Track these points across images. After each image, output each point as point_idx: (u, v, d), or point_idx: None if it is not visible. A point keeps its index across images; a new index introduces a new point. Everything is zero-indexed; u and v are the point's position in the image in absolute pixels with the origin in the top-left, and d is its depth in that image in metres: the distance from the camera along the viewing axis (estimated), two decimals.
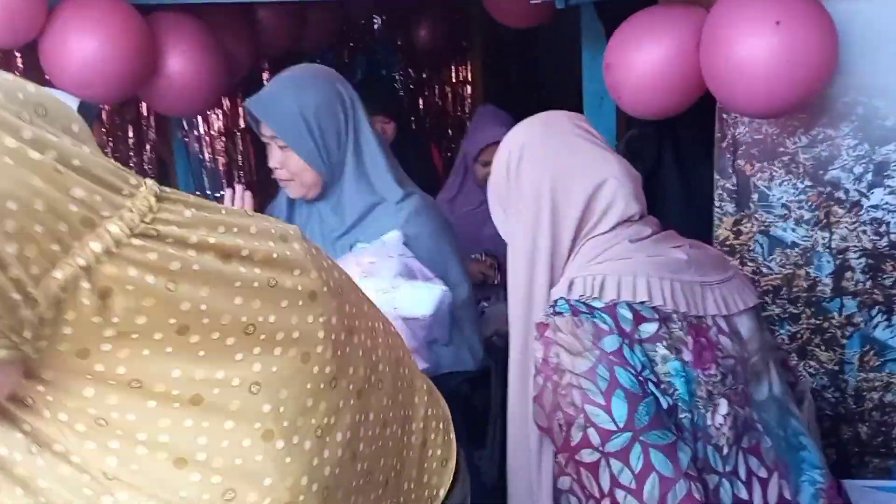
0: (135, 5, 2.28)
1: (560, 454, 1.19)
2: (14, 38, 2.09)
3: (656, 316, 1.20)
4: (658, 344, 1.18)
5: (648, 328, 1.18)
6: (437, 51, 4.98)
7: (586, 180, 1.30)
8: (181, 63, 2.41)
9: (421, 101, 5.11)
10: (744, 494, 1.20)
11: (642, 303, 1.20)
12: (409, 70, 4.87)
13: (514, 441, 1.34)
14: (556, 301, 1.24)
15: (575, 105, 2.56)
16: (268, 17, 3.03)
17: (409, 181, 1.83)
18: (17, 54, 2.41)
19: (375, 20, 4.35)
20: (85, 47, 2.14)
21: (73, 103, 1.75)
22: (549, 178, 1.31)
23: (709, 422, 1.18)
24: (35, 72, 2.40)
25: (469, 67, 5.67)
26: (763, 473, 1.23)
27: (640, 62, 1.85)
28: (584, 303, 1.20)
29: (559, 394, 1.17)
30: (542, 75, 7.14)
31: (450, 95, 5.52)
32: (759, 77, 1.67)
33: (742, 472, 1.21)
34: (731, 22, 1.71)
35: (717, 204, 2.08)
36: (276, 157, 1.74)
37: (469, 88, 5.72)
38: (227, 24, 2.74)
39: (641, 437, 1.11)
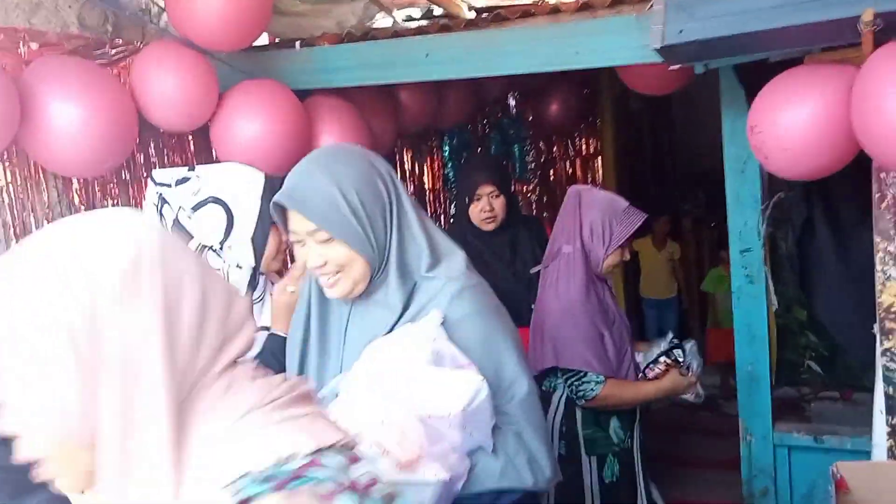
0: (293, 90, 2.51)
1: None
2: (190, 123, 2.35)
3: None
4: None
5: None
6: (567, 124, 5.06)
7: None
8: (334, 141, 2.59)
9: (552, 174, 5.17)
10: None
11: None
12: (541, 144, 4.96)
13: None
14: None
15: (716, 169, 2.52)
16: (408, 97, 3.22)
17: (457, 257, 1.51)
18: (190, 136, 2.68)
19: (508, 97, 4.49)
20: (249, 129, 2.37)
21: (259, 177, 1.89)
22: None
23: None
24: (204, 152, 2.67)
25: (600, 140, 5.71)
26: None
27: (788, 123, 1.80)
28: None
29: None
30: (676, 144, 7.06)
31: (580, 168, 5.56)
32: None
33: None
34: (885, 77, 1.65)
35: (878, 268, 1.96)
36: (316, 255, 1.43)
37: (600, 160, 5.74)
38: (372, 105, 2.94)
39: None
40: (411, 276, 1.46)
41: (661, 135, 6.90)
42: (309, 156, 1.50)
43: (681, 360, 2.26)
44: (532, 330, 2.41)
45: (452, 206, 4.03)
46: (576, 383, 2.31)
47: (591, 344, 2.28)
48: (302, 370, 1.55)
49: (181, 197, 1.82)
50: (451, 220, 3.68)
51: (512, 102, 4.57)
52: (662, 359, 2.29)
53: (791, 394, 2.86)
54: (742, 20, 1.76)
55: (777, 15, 1.75)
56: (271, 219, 1.69)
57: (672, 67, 1.92)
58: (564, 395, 2.35)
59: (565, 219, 2.41)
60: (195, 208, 1.79)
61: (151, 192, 1.89)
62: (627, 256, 2.42)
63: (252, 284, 1.80)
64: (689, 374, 2.29)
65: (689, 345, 2.39)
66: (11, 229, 2.17)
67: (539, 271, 2.48)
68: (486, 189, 2.69)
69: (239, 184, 1.80)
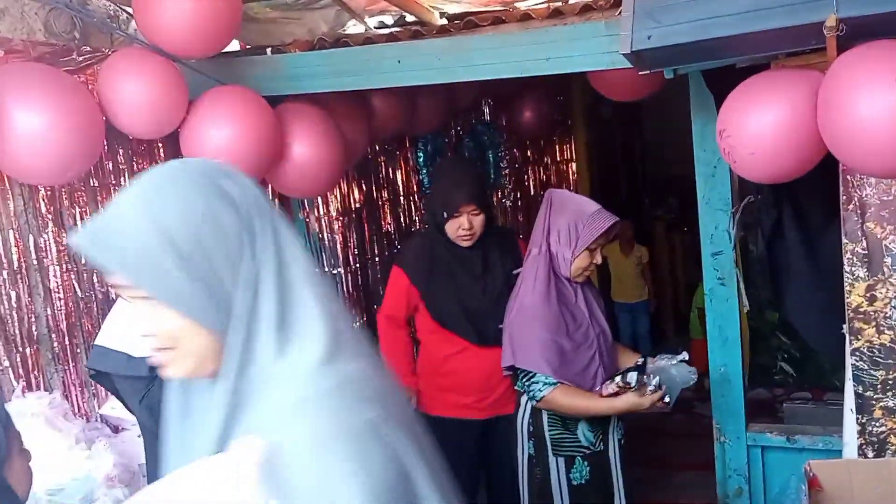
0: (264, 97, 2.49)
1: None
2: (158, 130, 2.32)
3: None
4: None
5: None
6: (540, 130, 5.09)
7: None
8: (305, 148, 2.57)
9: (526, 180, 5.19)
10: None
11: None
12: (515, 150, 4.98)
13: None
14: None
15: (688, 174, 2.54)
16: (381, 103, 3.21)
17: (314, 340, 0.98)
18: (160, 143, 2.65)
19: (482, 103, 4.51)
20: (220, 136, 2.34)
21: None
22: None
23: None
24: (174, 159, 2.63)
25: (573, 146, 5.75)
26: None
27: (755, 127, 1.82)
28: None
29: None
30: (647, 149, 7.14)
31: (554, 174, 5.59)
32: (884, 135, 1.62)
33: None
34: (850, 81, 1.67)
35: (846, 269, 1.99)
36: (144, 321, 1.00)
37: (574, 166, 5.78)
38: (345, 111, 2.92)
39: None
40: (254, 363, 0.97)
41: (632, 141, 6.98)
42: (133, 182, 1.02)
43: (632, 383, 2.18)
44: (504, 328, 2.43)
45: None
46: (526, 383, 2.33)
47: (543, 347, 2.28)
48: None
49: None
50: (420, 228, 3.63)
51: (486, 108, 4.58)
52: (617, 380, 2.25)
53: (764, 395, 2.90)
54: (708, 26, 1.78)
55: (743, 21, 1.77)
56: None
57: (641, 73, 1.93)
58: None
59: (537, 221, 2.43)
60: None
61: None
62: (599, 260, 2.40)
63: None
64: (650, 392, 2.19)
65: (680, 357, 2.30)
66: None
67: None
68: (467, 208, 2.61)
69: None
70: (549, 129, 5.28)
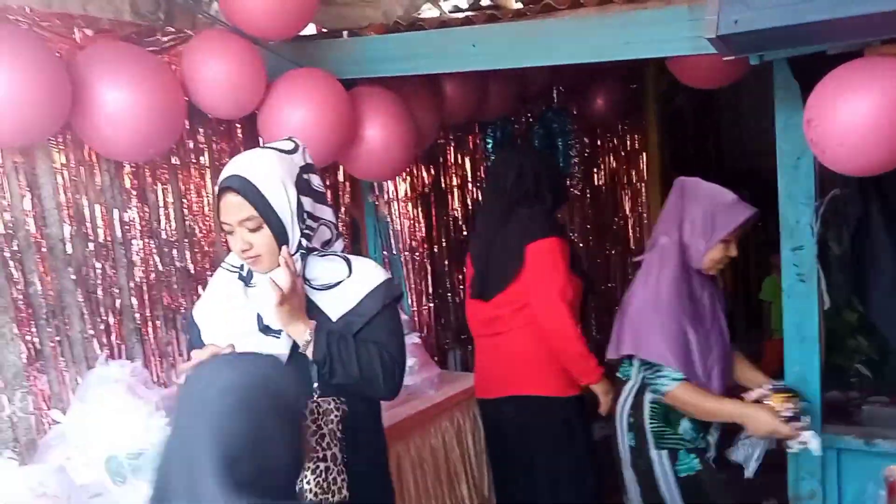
0: (339, 80, 2.52)
1: None
2: (238, 110, 2.37)
3: None
4: None
5: None
6: (611, 119, 5.00)
7: None
8: (378, 132, 2.60)
9: (596, 169, 5.11)
10: None
11: None
12: (585, 139, 4.90)
13: None
14: None
15: (762, 167, 2.46)
16: (452, 88, 3.21)
17: None
18: (238, 124, 2.71)
19: (553, 91, 4.45)
20: (296, 118, 2.39)
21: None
22: None
23: None
24: (251, 140, 2.70)
25: (645, 135, 5.62)
26: None
27: (847, 117, 1.75)
28: None
29: None
30: (721, 140, 6.93)
31: (624, 163, 5.48)
32: None
33: None
34: None
35: None
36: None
37: (644, 156, 5.65)
38: (416, 96, 2.94)
39: None
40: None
41: (705, 131, 6.78)
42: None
43: (796, 410, 2.08)
44: (618, 315, 2.37)
45: None
46: (650, 376, 2.25)
47: (671, 339, 2.19)
48: None
49: None
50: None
51: (556, 95, 4.52)
52: (765, 387, 2.16)
53: (838, 398, 2.78)
54: (800, 10, 1.71)
55: (837, 5, 1.69)
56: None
57: (726, 59, 1.87)
58: (636, 386, 2.31)
59: (667, 210, 2.34)
60: None
61: None
62: (734, 252, 2.29)
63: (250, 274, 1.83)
64: (796, 425, 2.11)
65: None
66: (65, 210, 2.23)
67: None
68: None
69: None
70: (621, 118, 5.18)
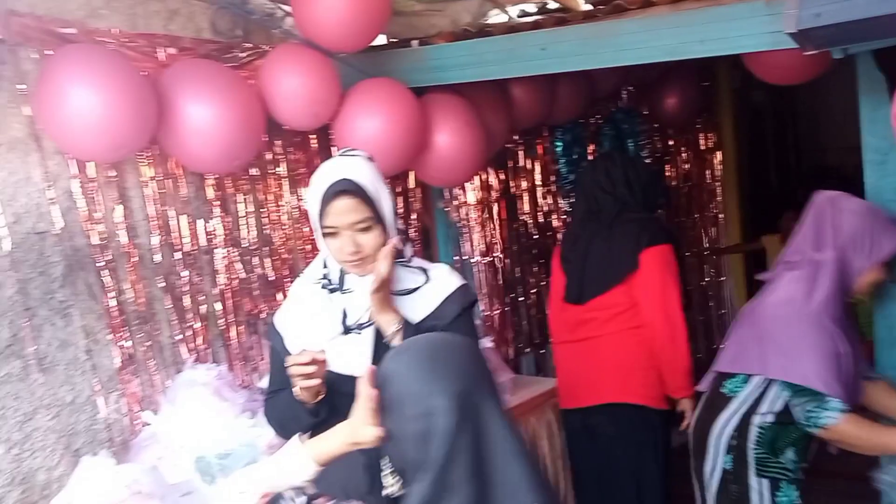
0: (410, 88, 2.56)
1: None
2: (315, 121, 2.44)
3: None
4: None
5: None
6: (684, 118, 4.89)
7: None
8: (449, 138, 2.63)
9: (668, 169, 5.01)
10: None
11: None
12: (655, 139, 4.82)
13: None
14: None
15: (843, 164, 2.36)
16: (521, 92, 3.21)
17: None
18: (312, 135, 2.79)
19: (623, 91, 4.39)
20: (370, 127, 2.44)
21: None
22: None
23: None
24: (325, 150, 2.77)
25: (718, 134, 5.48)
26: None
27: None
28: None
29: None
30: (800, 137, 6.70)
31: (697, 163, 5.36)
32: None
33: None
34: None
35: None
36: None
37: (719, 155, 5.51)
38: (486, 101, 2.95)
39: None
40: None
41: (784, 128, 6.57)
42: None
43: None
44: (739, 328, 2.23)
45: (563, 202, 4.00)
46: (810, 406, 2.01)
47: (831, 366, 1.98)
48: None
49: None
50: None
51: (625, 96, 4.46)
52: None
53: None
54: (886, 1, 1.65)
55: None
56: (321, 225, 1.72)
57: (808, 53, 1.82)
58: (745, 407, 2.14)
59: (814, 224, 2.15)
60: None
61: None
62: (884, 275, 2.11)
63: (341, 280, 1.81)
64: None
65: None
66: (155, 221, 2.34)
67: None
68: None
69: (315, 183, 1.78)
70: (693, 117, 5.06)
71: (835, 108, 5.93)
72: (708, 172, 5.39)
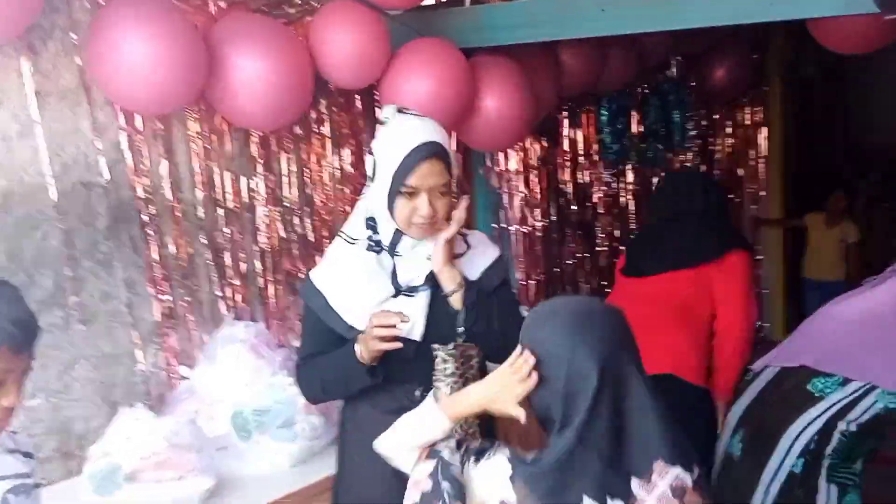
0: (460, 48, 2.49)
1: None
2: (363, 79, 2.39)
3: None
4: None
5: None
6: (731, 91, 4.75)
7: None
8: (497, 101, 2.56)
9: (713, 143, 4.89)
10: None
11: None
12: (703, 112, 4.69)
13: None
14: None
15: (891, 141, 2.24)
16: (571, 58, 3.12)
17: None
18: (357, 95, 2.74)
19: (672, 61, 4.27)
20: (419, 88, 2.38)
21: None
22: None
23: None
24: (370, 110, 2.72)
25: (766, 108, 5.32)
26: None
27: None
28: None
29: None
30: (851, 114, 6.48)
31: (741, 138, 5.22)
32: None
33: None
34: None
35: None
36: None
37: (765, 131, 5.36)
38: (535, 65, 2.87)
39: None
40: None
41: (833, 105, 6.37)
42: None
43: None
44: (839, 326, 2.12)
45: (605, 173, 3.92)
46: None
47: None
48: None
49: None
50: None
51: (674, 67, 4.33)
52: None
53: None
54: None
55: None
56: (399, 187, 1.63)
57: (888, 17, 1.72)
58: (832, 412, 2.02)
59: None
60: (370, 150, 1.77)
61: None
62: None
63: (394, 242, 1.76)
64: None
65: None
66: (199, 176, 2.32)
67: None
68: None
69: (389, 143, 1.71)
70: (741, 90, 4.92)
71: (888, 86, 5.74)
72: (751, 150, 5.26)
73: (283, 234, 2.57)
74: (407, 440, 1.36)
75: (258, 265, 2.51)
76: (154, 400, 2.22)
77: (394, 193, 1.61)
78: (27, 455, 1.25)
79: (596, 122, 3.88)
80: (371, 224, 1.70)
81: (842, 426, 1.98)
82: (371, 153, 1.67)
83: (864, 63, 4.85)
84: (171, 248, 2.26)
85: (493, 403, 1.33)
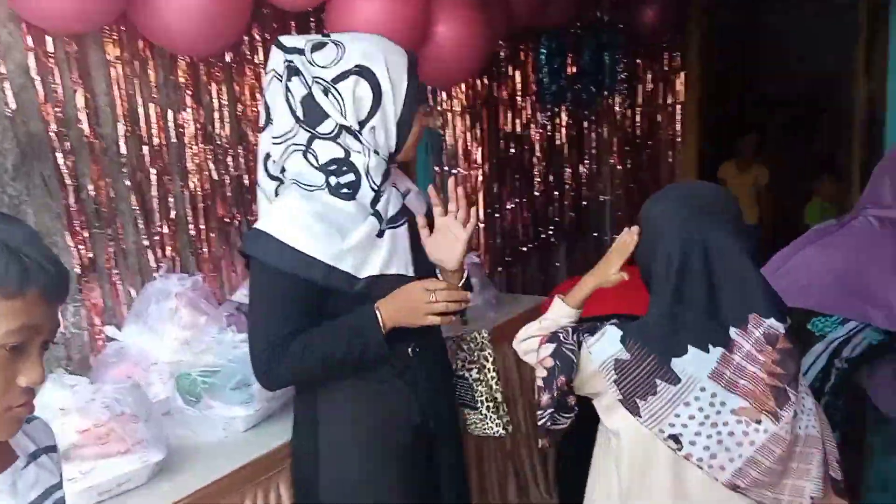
0: None
1: None
2: (307, 0, 2.14)
3: None
4: None
5: None
6: (657, 35, 4.71)
7: None
8: (451, 31, 2.38)
9: (637, 90, 4.85)
10: None
11: None
12: (632, 56, 4.64)
13: None
14: None
15: (809, 90, 2.23)
16: None
17: None
18: (293, 22, 2.47)
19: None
20: (367, 12, 2.16)
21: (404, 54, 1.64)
22: None
23: None
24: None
25: (683, 54, 5.33)
26: None
27: None
28: None
29: None
30: (768, 62, 6.59)
31: (662, 83, 5.22)
32: None
33: None
34: None
35: None
36: None
37: (683, 76, 5.38)
38: None
39: None
40: None
41: (751, 51, 6.49)
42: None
43: None
44: (836, 264, 2.09)
45: (540, 115, 3.81)
46: None
47: None
48: None
49: (316, 66, 1.55)
50: None
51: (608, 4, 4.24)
52: None
53: None
54: None
55: None
56: (417, 101, 1.52)
57: None
58: (830, 350, 2.02)
59: None
60: (335, 80, 1.53)
61: (276, 61, 1.57)
62: None
63: (386, 175, 1.57)
64: None
65: None
66: (120, 108, 2.02)
67: None
68: None
69: (387, 57, 1.53)
70: (666, 33, 4.88)
71: (804, 33, 5.89)
72: (670, 97, 5.27)
73: (215, 175, 2.31)
74: (542, 331, 1.50)
75: (189, 211, 2.24)
76: (76, 364, 1.96)
77: (407, 118, 1.50)
78: (49, 450, 0.96)
79: (534, 62, 3.74)
80: (332, 168, 1.48)
81: (837, 363, 2.00)
82: (337, 93, 1.47)
83: (782, 15, 4.93)
84: (90, 191, 1.97)
85: (606, 279, 1.50)
